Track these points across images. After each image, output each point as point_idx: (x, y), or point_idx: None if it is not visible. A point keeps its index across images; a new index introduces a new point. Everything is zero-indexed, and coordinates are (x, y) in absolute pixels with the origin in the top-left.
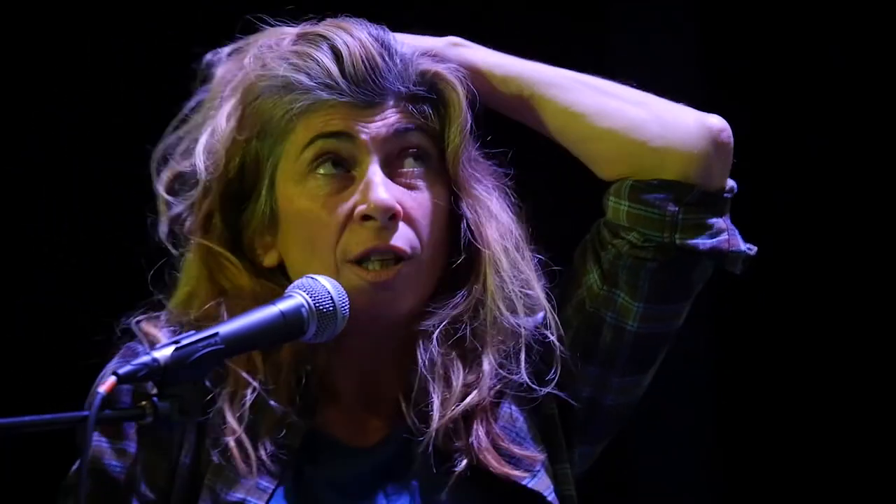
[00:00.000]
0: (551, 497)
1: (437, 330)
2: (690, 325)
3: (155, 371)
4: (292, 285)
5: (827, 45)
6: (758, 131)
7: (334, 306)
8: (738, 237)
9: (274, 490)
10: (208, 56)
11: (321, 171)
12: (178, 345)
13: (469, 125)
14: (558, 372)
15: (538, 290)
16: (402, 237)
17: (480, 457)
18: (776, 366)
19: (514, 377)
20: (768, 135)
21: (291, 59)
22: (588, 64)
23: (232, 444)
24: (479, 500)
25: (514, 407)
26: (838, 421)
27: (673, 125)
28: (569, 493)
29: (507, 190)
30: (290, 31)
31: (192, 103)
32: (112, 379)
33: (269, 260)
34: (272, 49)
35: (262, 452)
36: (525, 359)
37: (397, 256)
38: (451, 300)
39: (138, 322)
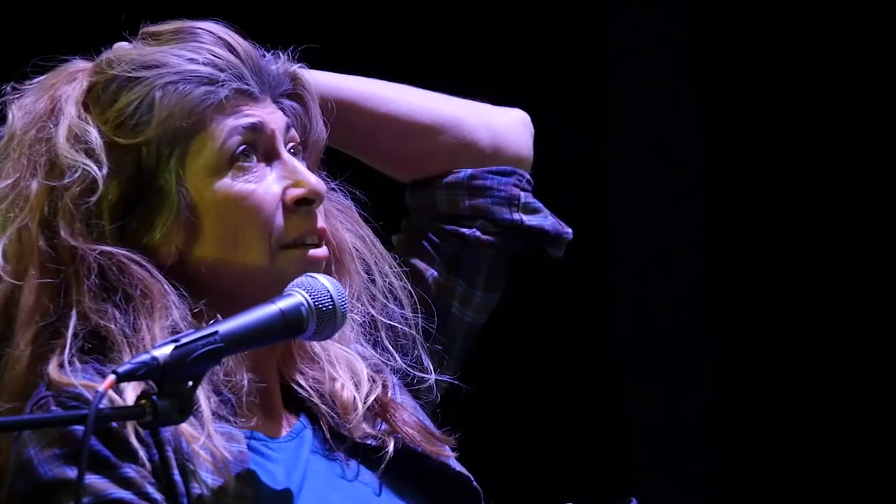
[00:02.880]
0: (475, 482)
1: None
2: (691, 325)
3: (154, 369)
4: (292, 283)
5: (824, 60)
6: (758, 135)
7: (334, 305)
8: (560, 220)
9: (254, 494)
10: (7, 91)
11: (242, 162)
12: (178, 343)
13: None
14: (429, 360)
15: (399, 285)
16: (321, 219)
17: (409, 439)
18: (776, 365)
19: (398, 365)
20: (768, 139)
21: (186, 54)
22: (587, 91)
23: (199, 449)
24: (408, 481)
25: (406, 397)
26: (838, 421)
27: (491, 118)
28: None
29: (344, 189)
30: (124, 46)
31: None
32: (111, 377)
33: (170, 259)
34: (136, 50)
35: (229, 456)
36: (403, 347)
37: (320, 239)
38: None
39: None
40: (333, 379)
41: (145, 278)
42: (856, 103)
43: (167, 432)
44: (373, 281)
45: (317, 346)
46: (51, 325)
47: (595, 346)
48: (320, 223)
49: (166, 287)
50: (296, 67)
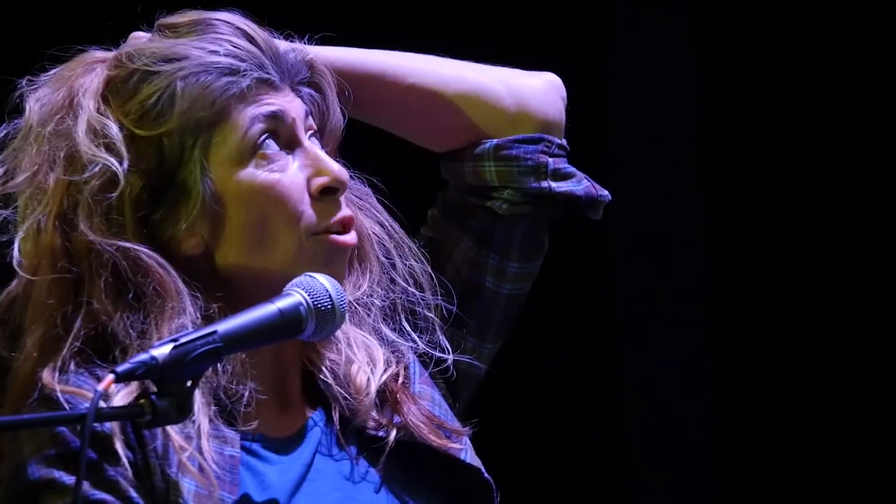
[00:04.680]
0: (486, 474)
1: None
2: (692, 325)
3: (153, 369)
4: (291, 283)
5: (826, 57)
6: (757, 131)
7: (332, 304)
8: (595, 183)
9: (238, 500)
10: (23, 84)
11: (266, 150)
12: (177, 343)
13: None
14: (447, 341)
15: (420, 267)
16: (345, 207)
17: (417, 432)
18: (777, 364)
19: (419, 348)
20: (768, 135)
21: (207, 46)
22: (588, 74)
23: (185, 461)
24: (416, 474)
25: (426, 386)
26: (839, 419)
27: (518, 84)
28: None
29: (362, 178)
30: (140, 36)
31: (2, 130)
32: (110, 377)
33: (195, 251)
34: (156, 43)
35: (214, 465)
36: (423, 329)
37: (346, 227)
38: (350, 280)
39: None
40: (350, 361)
41: (160, 276)
42: (857, 101)
43: (157, 440)
44: (393, 265)
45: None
46: (58, 326)
47: (593, 348)
48: (346, 211)
49: (180, 286)
50: (312, 55)
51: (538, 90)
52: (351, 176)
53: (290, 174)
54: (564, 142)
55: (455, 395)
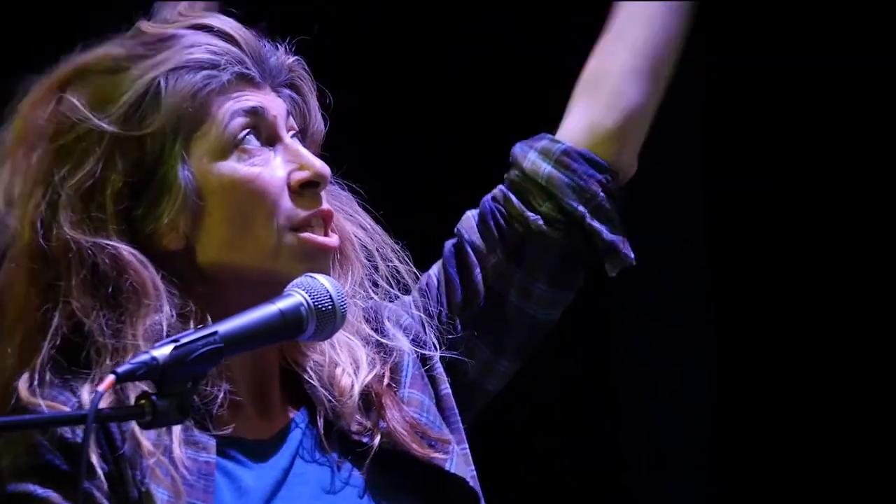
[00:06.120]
0: (473, 483)
1: None
2: (692, 325)
3: (153, 370)
4: (291, 283)
5: (825, 52)
6: (757, 131)
7: (333, 305)
8: (628, 244)
9: None
10: (18, 84)
11: (246, 145)
12: (177, 343)
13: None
14: (434, 337)
15: (404, 269)
16: (325, 202)
17: (398, 439)
18: (777, 365)
19: (400, 348)
20: (768, 135)
21: (187, 45)
22: None
23: (155, 468)
24: (398, 481)
25: (416, 391)
26: (839, 419)
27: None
28: (473, 474)
29: (341, 183)
30: (132, 39)
31: None
32: (111, 377)
33: (176, 245)
34: (137, 48)
35: (185, 472)
36: (409, 332)
37: (326, 221)
38: None
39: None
40: (334, 363)
41: (138, 271)
42: (858, 101)
43: (127, 448)
44: (376, 268)
45: None
46: (36, 329)
47: (592, 349)
48: (326, 205)
49: (158, 283)
50: (293, 59)
51: (645, 130)
52: (332, 182)
53: (270, 168)
54: (622, 187)
55: (463, 406)
